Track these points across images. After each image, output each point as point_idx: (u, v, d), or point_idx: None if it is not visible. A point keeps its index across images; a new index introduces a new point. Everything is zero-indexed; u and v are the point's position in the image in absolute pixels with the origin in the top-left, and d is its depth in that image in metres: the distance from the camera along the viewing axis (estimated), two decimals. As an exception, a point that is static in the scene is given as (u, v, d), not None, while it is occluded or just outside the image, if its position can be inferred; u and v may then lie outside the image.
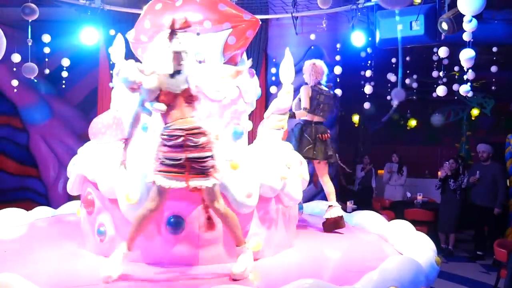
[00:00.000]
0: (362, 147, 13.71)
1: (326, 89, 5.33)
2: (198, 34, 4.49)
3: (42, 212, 5.95)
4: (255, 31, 4.75)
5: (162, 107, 3.47)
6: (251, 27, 4.67)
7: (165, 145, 3.45)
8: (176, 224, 3.85)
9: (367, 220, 5.40)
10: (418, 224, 8.11)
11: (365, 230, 5.28)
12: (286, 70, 4.73)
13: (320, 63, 5.32)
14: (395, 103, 8.62)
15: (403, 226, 4.84)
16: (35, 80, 7.05)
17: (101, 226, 4.21)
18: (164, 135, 3.47)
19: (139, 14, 5.43)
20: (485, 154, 8.63)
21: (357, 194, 10.53)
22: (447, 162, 8.71)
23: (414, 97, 11.08)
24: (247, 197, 3.90)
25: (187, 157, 3.39)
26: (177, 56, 3.53)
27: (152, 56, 3.66)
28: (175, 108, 3.50)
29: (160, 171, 3.42)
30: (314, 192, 9.33)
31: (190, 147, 3.41)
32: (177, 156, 3.39)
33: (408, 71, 9.67)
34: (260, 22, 4.83)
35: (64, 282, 3.52)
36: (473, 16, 4.41)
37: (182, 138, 3.40)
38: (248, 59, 5.29)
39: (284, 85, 4.76)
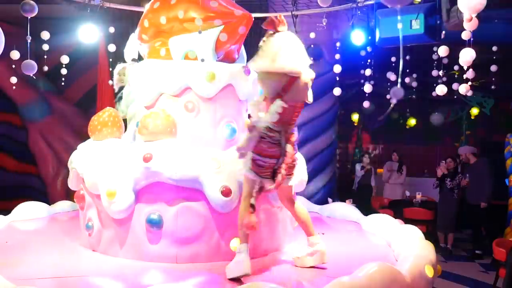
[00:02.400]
0: (361, 146, 13.70)
1: None
2: (200, 32, 4.47)
3: (64, 206, 6.17)
4: (248, 26, 4.67)
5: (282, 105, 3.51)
6: (243, 23, 4.62)
7: (265, 148, 3.52)
8: (155, 222, 3.90)
9: (378, 224, 5.27)
10: (417, 223, 8.12)
11: (375, 235, 5.15)
12: None
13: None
14: (393, 101, 8.59)
15: (410, 232, 4.63)
16: (34, 77, 7.03)
17: (89, 220, 4.33)
18: (266, 135, 3.51)
19: (138, 12, 5.45)
20: (465, 156, 9.00)
21: (356, 193, 10.52)
22: (444, 161, 8.74)
23: (414, 96, 11.07)
24: (224, 196, 3.85)
25: (279, 161, 3.53)
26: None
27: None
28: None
29: (254, 170, 3.54)
30: (313, 192, 9.35)
31: (284, 152, 3.55)
32: (272, 161, 3.51)
33: (407, 70, 9.65)
34: (253, 18, 4.77)
35: (36, 273, 3.61)
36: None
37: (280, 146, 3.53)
38: (247, 57, 5.27)
39: None
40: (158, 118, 4.20)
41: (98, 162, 4.16)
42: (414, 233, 4.61)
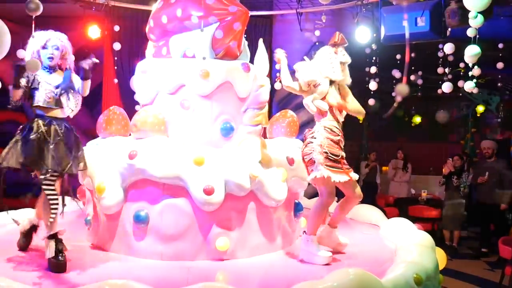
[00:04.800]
0: (366, 144, 13.66)
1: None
2: (202, 30, 4.45)
3: None
4: (243, 22, 4.56)
5: (326, 106, 3.99)
6: (238, 19, 4.51)
7: (330, 139, 3.88)
8: (142, 218, 3.91)
9: (394, 228, 4.96)
10: (422, 221, 8.12)
11: (388, 239, 4.83)
12: (259, 62, 4.57)
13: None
14: (398, 99, 8.58)
15: (418, 238, 4.31)
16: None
17: (88, 215, 4.42)
18: (328, 128, 3.92)
19: (143, 10, 5.44)
20: (490, 150, 8.60)
21: (361, 190, 10.48)
22: (451, 159, 8.69)
23: (419, 94, 11.03)
24: (207, 194, 3.79)
25: (341, 155, 3.91)
26: (343, 67, 4.10)
27: (325, 64, 4.04)
28: (333, 110, 4.02)
29: (327, 165, 3.83)
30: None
31: (341, 145, 3.95)
32: (338, 153, 3.88)
33: (413, 68, 9.62)
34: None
35: (18, 266, 3.65)
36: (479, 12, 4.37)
37: (339, 137, 3.93)
38: (251, 55, 5.23)
39: (258, 78, 4.57)
40: (148, 116, 4.22)
41: (94, 158, 4.18)
42: (423, 239, 4.27)
